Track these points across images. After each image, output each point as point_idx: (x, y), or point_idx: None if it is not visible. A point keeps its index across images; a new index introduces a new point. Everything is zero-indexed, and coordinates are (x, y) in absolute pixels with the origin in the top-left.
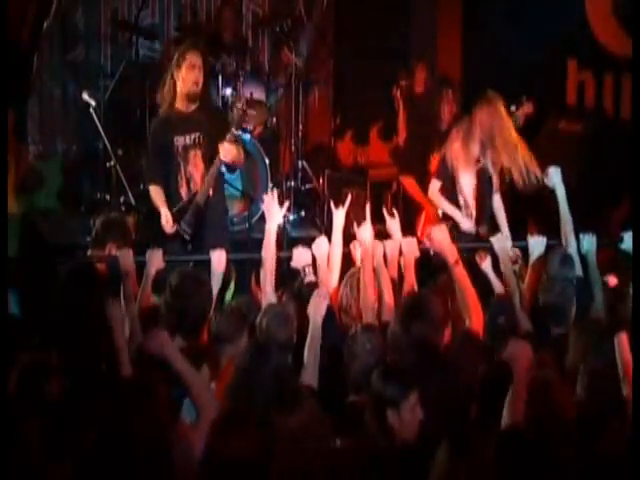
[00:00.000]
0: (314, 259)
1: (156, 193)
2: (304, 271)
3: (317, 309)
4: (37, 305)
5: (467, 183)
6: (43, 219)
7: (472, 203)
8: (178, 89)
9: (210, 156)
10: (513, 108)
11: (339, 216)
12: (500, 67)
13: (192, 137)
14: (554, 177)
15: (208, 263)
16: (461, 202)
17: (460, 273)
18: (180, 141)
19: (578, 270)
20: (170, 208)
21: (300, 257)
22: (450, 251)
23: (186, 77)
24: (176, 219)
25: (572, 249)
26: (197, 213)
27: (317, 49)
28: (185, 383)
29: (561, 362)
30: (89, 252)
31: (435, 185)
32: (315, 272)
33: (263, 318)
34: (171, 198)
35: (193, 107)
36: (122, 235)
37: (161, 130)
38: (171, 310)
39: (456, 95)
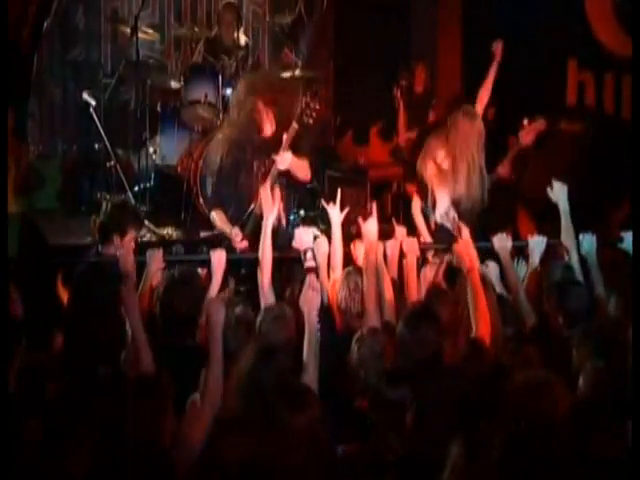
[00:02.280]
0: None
1: (220, 217)
2: (304, 255)
3: (310, 303)
4: (37, 305)
5: (443, 202)
6: (43, 219)
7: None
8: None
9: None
10: (525, 122)
11: (335, 213)
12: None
13: (269, 162)
14: (559, 193)
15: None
16: (437, 219)
17: (475, 279)
18: (261, 166)
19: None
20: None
21: (302, 237)
22: (469, 261)
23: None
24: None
25: (574, 262)
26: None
27: (317, 49)
28: (209, 364)
29: (565, 363)
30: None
31: (416, 203)
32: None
33: (262, 321)
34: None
35: (270, 133)
36: (137, 218)
37: (237, 153)
38: (163, 315)
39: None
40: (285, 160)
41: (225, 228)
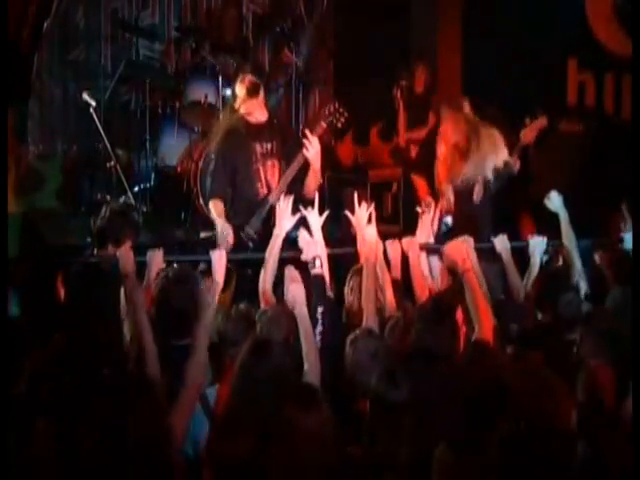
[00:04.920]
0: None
1: (216, 206)
2: (313, 262)
3: (295, 296)
4: (37, 305)
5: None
6: (43, 219)
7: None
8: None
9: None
10: (527, 121)
11: (314, 218)
12: (500, 67)
13: (268, 145)
14: (556, 202)
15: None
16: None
17: (471, 280)
18: (258, 148)
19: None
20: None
21: (309, 249)
22: (462, 262)
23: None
24: (238, 227)
25: (577, 267)
26: (267, 215)
27: (317, 49)
28: (193, 341)
29: (565, 364)
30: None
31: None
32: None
33: (259, 320)
34: (251, 204)
35: (264, 119)
36: (136, 228)
37: (236, 138)
38: (159, 315)
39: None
40: (315, 147)
41: (217, 218)
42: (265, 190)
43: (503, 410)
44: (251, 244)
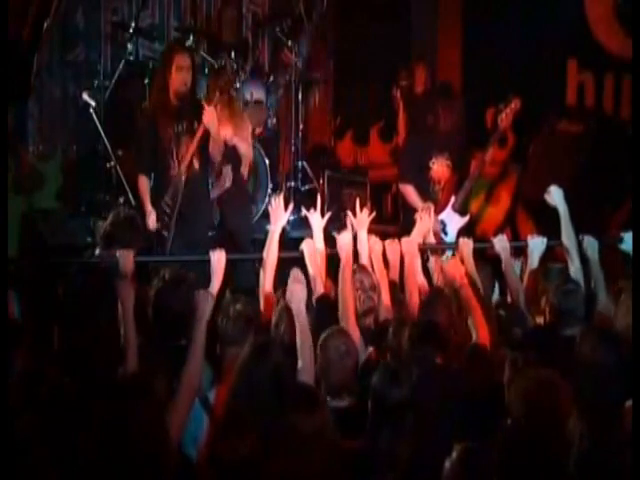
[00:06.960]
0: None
1: (143, 183)
2: (313, 283)
3: (296, 295)
4: (36, 305)
5: None
6: (43, 219)
7: None
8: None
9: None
10: (501, 106)
11: (316, 219)
12: (500, 67)
13: (184, 124)
14: (556, 196)
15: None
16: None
17: (467, 294)
18: (172, 129)
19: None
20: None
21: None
22: (459, 279)
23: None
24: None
25: (575, 266)
26: (177, 188)
27: (317, 49)
28: (190, 351)
29: (564, 363)
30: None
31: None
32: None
33: (280, 322)
34: (162, 182)
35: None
36: (141, 235)
37: (152, 121)
38: (156, 316)
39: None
40: (210, 114)
41: (144, 197)
42: (176, 166)
43: (502, 410)
44: (167, 218)
